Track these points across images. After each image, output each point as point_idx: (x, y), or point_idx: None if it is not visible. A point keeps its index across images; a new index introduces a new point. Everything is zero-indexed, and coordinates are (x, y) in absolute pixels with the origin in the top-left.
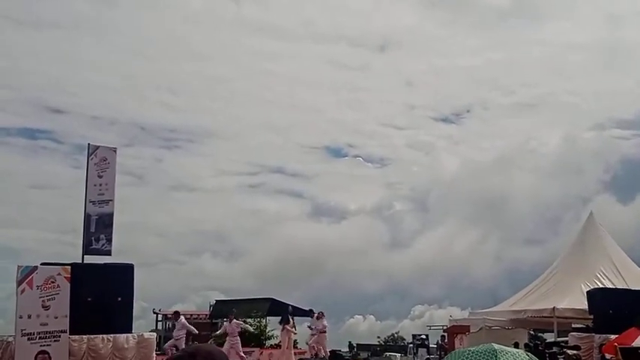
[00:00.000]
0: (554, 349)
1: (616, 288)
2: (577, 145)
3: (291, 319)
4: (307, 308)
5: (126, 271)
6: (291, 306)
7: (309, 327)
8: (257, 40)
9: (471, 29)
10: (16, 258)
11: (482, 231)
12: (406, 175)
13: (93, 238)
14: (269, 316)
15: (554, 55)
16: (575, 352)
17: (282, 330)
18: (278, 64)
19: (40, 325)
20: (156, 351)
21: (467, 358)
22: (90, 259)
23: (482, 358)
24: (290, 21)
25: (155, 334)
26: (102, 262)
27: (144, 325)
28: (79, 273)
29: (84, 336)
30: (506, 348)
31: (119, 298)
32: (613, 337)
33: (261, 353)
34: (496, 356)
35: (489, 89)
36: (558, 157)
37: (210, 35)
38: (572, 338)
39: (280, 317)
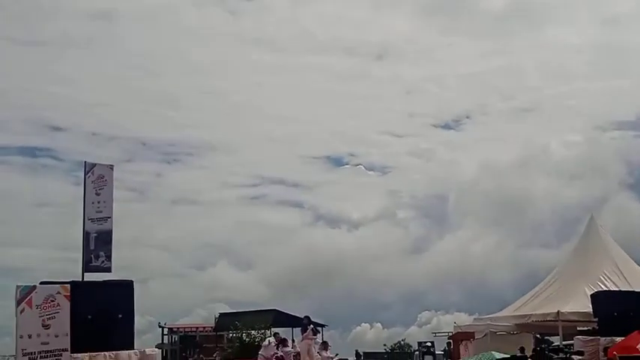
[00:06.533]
0: (560, 355)
1: (620, 290)
2: (584, 147)
3: (310, 330)
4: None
5: (125, 288)
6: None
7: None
8: (254, 53)
9: (469, 36)
10: (18, 277)
11: (494, 236)
12: (408, 182)
13: (92, 256)
14: (273, 327)
15: (552, 59)
16: (579, 357)
17: (302, 340)
18: (276, 76)
19: (41, 344)
20: None
21: None
22: (90, 277)
23: None
24: (286, 33)
25: (158, 349)
26: (101, 280)
27: (151, 340)
28: (78, 291)
29: (85, 354)
30: (507, 357)
31: (120, 315)
32: (618, 339)
33: None
34: None
35: (488, 95)
36: (563, 160)
37: (208, 49)
38: (577, 342)
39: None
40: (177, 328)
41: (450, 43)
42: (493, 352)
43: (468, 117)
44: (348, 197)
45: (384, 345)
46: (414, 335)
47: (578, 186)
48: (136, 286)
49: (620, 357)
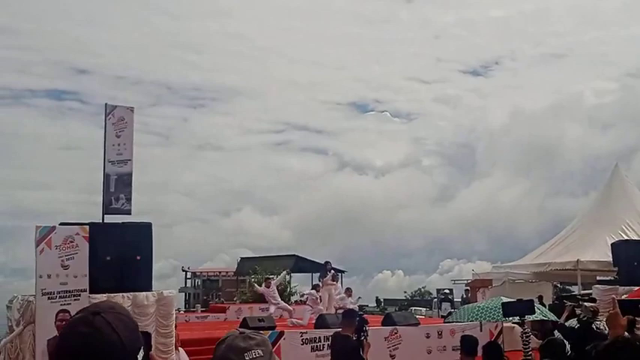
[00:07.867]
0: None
1: None
2: (617, 95)
3: (330, 275)
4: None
5: (144, 229)
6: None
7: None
8: None
9: None
10: (42, 219)
11: (522, 184)
12: (434, 129)
13: (112, 198)
14: (293, 272)
15: (585, 3)
16: (591, 304)
17: (323, 286)
18: (302, 20)
19: (60, 284)
20: (185, 308)
21: (476, 313)
22: (111, 219)
23: (490, 313)
24: None
25: (176, 292)
26: (119, 222)
27: (174, 283)
28: (97, 232)
29: (104, 294)
30: (512, 300)
31: (138, 257)
32: (637, 288)
33: None
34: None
35: (518, 40)
36: (595, 108)
37: None
38: (595, 290)
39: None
40: (201, 272)
41: None
42: (501, 297)
43: (496, 63)
44: (372, 144)
45: (405, 292)
46: (434, 283)
47: (610, 135)
48: (161, 230)
49: (618, 301)
